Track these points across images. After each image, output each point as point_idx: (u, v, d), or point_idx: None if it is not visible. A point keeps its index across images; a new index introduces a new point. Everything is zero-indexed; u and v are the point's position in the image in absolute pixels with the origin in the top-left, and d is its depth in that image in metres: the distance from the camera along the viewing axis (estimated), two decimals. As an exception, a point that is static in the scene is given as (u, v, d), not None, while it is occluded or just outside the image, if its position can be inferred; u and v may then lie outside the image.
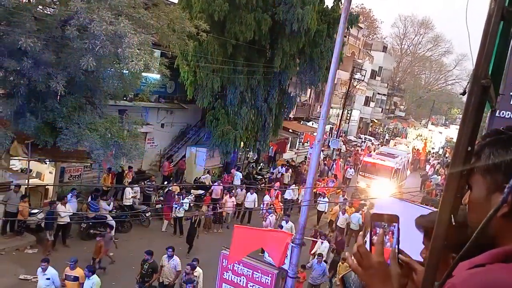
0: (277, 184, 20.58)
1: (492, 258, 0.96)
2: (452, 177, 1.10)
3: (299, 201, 18.07)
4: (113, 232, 12.78)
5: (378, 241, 1.26)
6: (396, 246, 1.30)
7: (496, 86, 2.76)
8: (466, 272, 0.95)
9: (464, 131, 1.09)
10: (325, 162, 27.43)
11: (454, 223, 1.09)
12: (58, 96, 11.68)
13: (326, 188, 20.93)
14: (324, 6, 22.05)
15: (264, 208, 17.07)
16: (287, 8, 18.68)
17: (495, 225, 1.02)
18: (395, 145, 36.72)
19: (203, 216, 17.02)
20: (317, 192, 19.28)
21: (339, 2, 21.54)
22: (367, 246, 1.28)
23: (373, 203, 16.25)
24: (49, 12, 12.25)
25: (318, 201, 18.25)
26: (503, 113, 10.50)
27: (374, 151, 32.13)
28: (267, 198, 18.01)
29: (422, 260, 1.40)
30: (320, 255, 12.66)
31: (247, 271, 7.32)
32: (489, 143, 1.10)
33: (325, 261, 13.21)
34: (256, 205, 17.61)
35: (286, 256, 7.30)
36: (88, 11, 10.10)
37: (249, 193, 17.67)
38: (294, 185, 20.72)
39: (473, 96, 1.08)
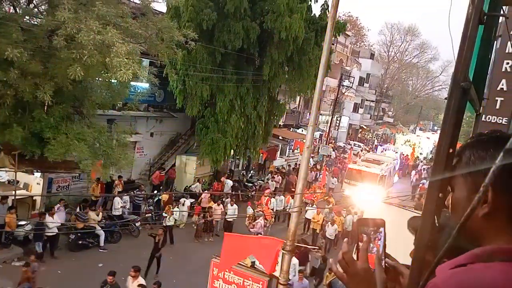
0: (267, 190, 20.55)
1: (473, 258, 0.98)
2: (434, 179, 1.11)
3: (288, 208, 18.07)
4: (36, 264, 11.15)
5: (363, 248, 1.25)
6: (382, 251, 1.30)
7: (480, 90, 2.80)
8: (447, 271, 0.96)
9: (445, 133, 1.11)
10: (312, 170, 27.21)
11: (437, 225, 1.11)
12: (46, 106, 11.58)
13: (314, 196, 20.88)
14: (312, 15, 22.23)
15: (248, 216, 16.94)
16: (275, 17, 18.80)
17: (477, 225, 1.03)
18: (383, 151, 36.73)
19: (194, 226, 16.97)
20: (304, 200, 19.22)
21: (326, 11, 21.75)
22: (354, 252, 1.28)
23: (362, 210, 16.25)
24: (36, 22, 12.18)
25: (306, 209, 18.13)
26: (489, 118, 10.62)
27: (360, 157, 31.98)
28: (249, 210, 17.77)
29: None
30: (301, 271, 12.05)
31: (238, 279, 7.28)
32: (469, 145, 1.12)
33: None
34: (235, 218, 17.23)
35: (277, 263, 7.27)
36: (76, 21, 10.05)
37: (229, 205, 17.26)
38: (279, 194, 20.45)
39: (453, 98, 1.10)
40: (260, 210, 17.51)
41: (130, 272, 10.20)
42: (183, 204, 17.35)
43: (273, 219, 18.26)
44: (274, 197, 19.34)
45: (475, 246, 1.02)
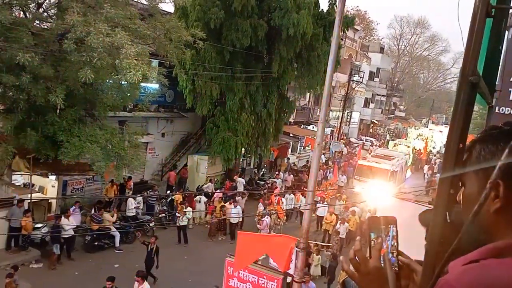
0: (277, 189, 20.52)
1: (485, 253, 0.97)
2: (445, 175, 1.10)
3: (298, 207, 18.00)
4: (17, 277, 10.74)
5: (376, 247, 1.24)
6: (395, 248, 1.28)
7: (491, 82, 2.76)
8: (460, 268, 0.96)
9: (454, 128, 1.10)
10: (321, 168, 26.72)
11: (449, 221, 1.10)
12: (58, 110, 11.71)
13: (325, 193, 20.71)
14: (319, 10, 22.13)
15: (258, 215, 16.93)
16: (283, 14, 18.76)
17: (489, 220, 1.02)
18: (395, 146, 36.22)
19: (207, 226, 17.05)
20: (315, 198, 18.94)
21: (334, 6, 21.62)
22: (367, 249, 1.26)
23: (375, 208, 16.04)
24: (46, 27, 12.33)
25: (317, 206, 17.96)
26: (502, 109, 10.47)
27: (371, 153, 31.50)
28: (261, 206, 17.78)
29: None
30: (307, 274, 11.54)
31: (253, 277, 7.30)
32: (480, 139, 1.11)
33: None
34: (241, 219, 16.99)
35: (291, 261, 7.27)
36: (85, 24, 10.14)
37: (232, 206, 16.89)
38: (288, 192, 20.18)
39: (462, 93, 1.09)
40: (271, 209, 17.51)
41: (135, 277, 10.27)
42: (199, 201, 17.61)
43: (285, 217, 18.24)
44: (283, 196, 19.26)
45: (488, 242, 1.01)
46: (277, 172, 24.67)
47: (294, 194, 19.33)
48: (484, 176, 1.05)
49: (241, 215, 17.03)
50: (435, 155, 43.05)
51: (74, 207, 14.39)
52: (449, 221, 1.12)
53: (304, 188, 20.27)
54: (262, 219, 16.00)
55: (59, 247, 13.10)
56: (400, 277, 1.26)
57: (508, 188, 0.97)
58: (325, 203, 19.12)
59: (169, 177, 20.34)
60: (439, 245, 1.10)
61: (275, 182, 22.77)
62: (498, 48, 2.86)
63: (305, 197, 15.68)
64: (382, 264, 1.22)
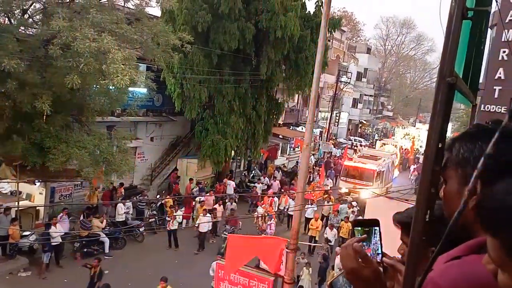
0: (270, 191, 20.51)
1: (467, 250, 0.99)
2: (426, 173, 1.12)
3: (287, 209, 17.98)
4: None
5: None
6: (378, 250, 1.30)
7: (474, 82, 2.81)
8: (443, 265, 0.98)
9: (434, 127, 1.12)
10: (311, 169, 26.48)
11: (429, 218, 1.11)
12: (45, 116, 11.60)
13: (313, 195, 20.70)
14: (306, 12, 22.24)
15: (258, 216, 16.93)
16: (270, 16, 18.82)
17: (469, 217, 1.04)
18: (382, 146, 36.34)
19: (196, 230, 16.95)
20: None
21: (321, 7, 21.74)
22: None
23: (363, 208, 16.03)
24: (31, 33, 12.21)
25: (306, 207, 17.84)
26: (487, 107, 10.59)
27: (357, 153, 31.47)
28: (260, 210, 17.71)
29: (400, 256, 1.41)
30: (301, 287, 11.42)
31: (244, 280, 7.29)
32: (459, 137, 1.14)
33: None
34: (210, 228, 16.23)
35: (282, 262, 7.28)
36: (71, 30, 10.07)
37: (201, 215, 15.95)
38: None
39: (440, 93, 1.11)
40: (266, 211, 17.53)
41: None
42: (199, 202, 17.65)
43: (276, 219, 18.27)
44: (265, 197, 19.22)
45: (469, 238, 1.04)
46: (258, 178, 24.28)
47: (278, 197, 19.26)
48: (463, 173, 1.08)
49: (210, 224, 16.31)
50: (422, 154, 43.36)
51: (62, 214, 14.23)
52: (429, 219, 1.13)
53: (288, 190, 20.38)
54: (269, 223, 16.02)
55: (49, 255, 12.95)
56: (385, 278, 1.27)
57: (486, 186, 1.00)
58: (314, 204, 19.11)
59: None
60: (421, 244, 1.11)
61: (256, 187, 22.11)
62: (480, 48, 2.91)
63: (293, 199, 15.68)
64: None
